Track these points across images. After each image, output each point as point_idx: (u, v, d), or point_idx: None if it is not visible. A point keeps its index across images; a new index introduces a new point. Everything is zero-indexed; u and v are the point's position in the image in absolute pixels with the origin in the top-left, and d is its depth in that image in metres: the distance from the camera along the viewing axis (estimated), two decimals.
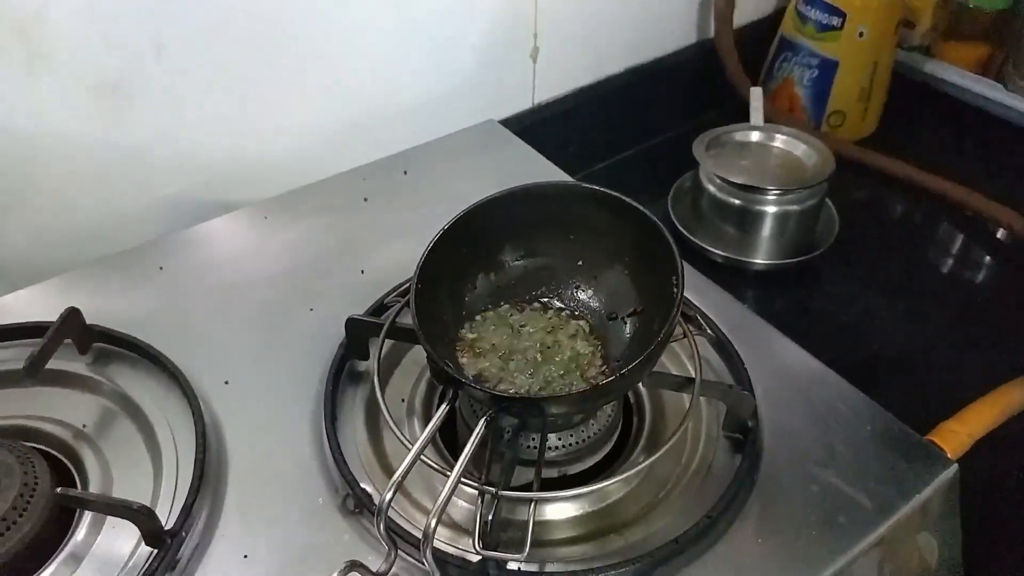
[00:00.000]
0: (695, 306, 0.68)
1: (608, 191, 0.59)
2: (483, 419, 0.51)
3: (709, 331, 0.65)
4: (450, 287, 0.60)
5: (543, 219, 0.62)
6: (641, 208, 0.58)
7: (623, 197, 0.59)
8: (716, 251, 0.95)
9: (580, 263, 0.63)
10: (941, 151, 1.13)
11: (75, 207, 0.78)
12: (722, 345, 0.65)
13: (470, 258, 0.61)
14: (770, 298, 0.96)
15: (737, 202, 0.94)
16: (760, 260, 0.95)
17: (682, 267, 0.54)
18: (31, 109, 0.71)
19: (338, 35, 0.83)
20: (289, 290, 0.73)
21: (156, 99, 0.76)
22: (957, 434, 0.62)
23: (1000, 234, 1.03)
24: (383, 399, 0.57)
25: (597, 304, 0.63)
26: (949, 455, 0.60)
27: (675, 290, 0.54)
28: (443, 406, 0.52)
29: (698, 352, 0.60)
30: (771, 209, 0.93)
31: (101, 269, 0.74)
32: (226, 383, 0.65)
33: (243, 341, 0.68)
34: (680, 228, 0.98)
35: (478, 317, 0.62)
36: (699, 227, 0.98)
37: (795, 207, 0.92)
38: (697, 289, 0.72)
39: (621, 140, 1.14)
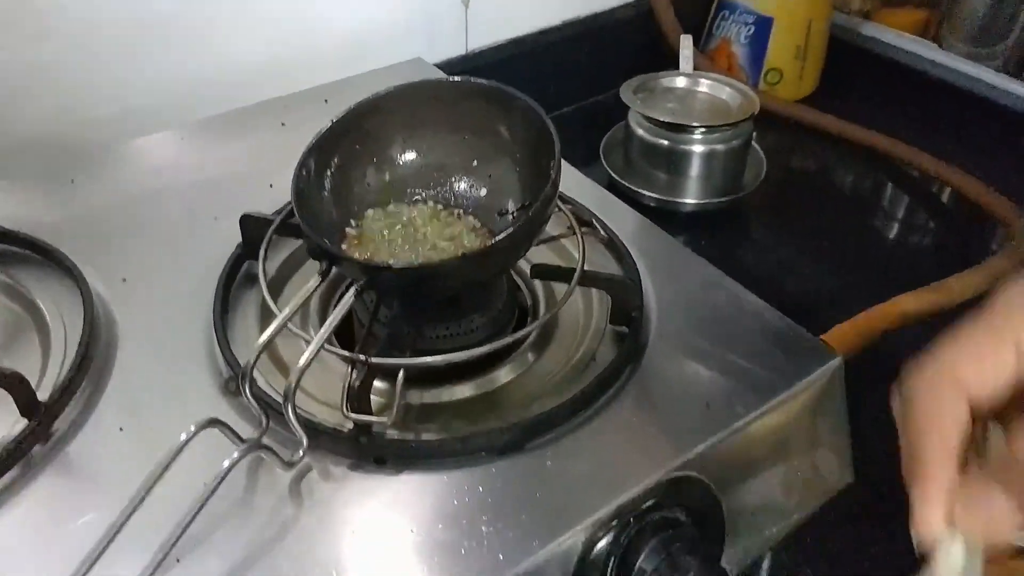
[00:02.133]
0: (593, 213, 0.68)
1: (495, 84, 0.60)
2: (352, 288, 0.51)
3: (601, 232, 0.65)
4: (337, 181, 0.61)
5: (435, 116, 0.63)
6: (525, 98, 0.59)
7: (507, 88, 0.59)
8: (647, 193, 0.96)
9: (475, 163, 0.64)
10: (879, 112, 1.15)
11: None
12: (613, 244, 0.66)
13: (359, 153, 0.62)
14: (696, 240, 0.97)
15: (664, 143, 0.95)
16: (689, 200, 0.96)
17: (559, 151, 0.55)
18: None
19: None
20: (197, 204, 0.73)
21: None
22: (845, 333, 0.63)
23: (943, 195, 1.04)
24: (265, 280, 0.58)
25: (488, 201, 0.63)
26: (836, 350, 0.61)
27: (551, 173, 0.54)
28: (315, 278, 0.53)
29: (583, 245, 0.60)
30: (698, 148, 0.94)
31: (8, 179, 0.75)
32: (124, 280, 0.65)
33: (144, 245, 0.69)
34: (613, 175, 0.98)
35: (368, 212, 0.62)
36: (631, 173, 0.99)
37: (721, 146, 0.93)
38: (606, 211, 0.73)
39: (557, 97, 1.14)
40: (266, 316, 0.63)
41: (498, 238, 0.51)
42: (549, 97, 1.18)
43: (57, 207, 0.72)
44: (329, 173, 0.60)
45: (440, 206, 0.63)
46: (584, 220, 0.66)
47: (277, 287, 0.66)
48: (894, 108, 1.16)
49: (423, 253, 0.58)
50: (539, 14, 1.08)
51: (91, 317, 0.60)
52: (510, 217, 0.62)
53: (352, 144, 0.61)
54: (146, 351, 0.60)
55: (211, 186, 0.75)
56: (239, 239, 0.66)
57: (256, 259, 0.66)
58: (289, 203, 0.67)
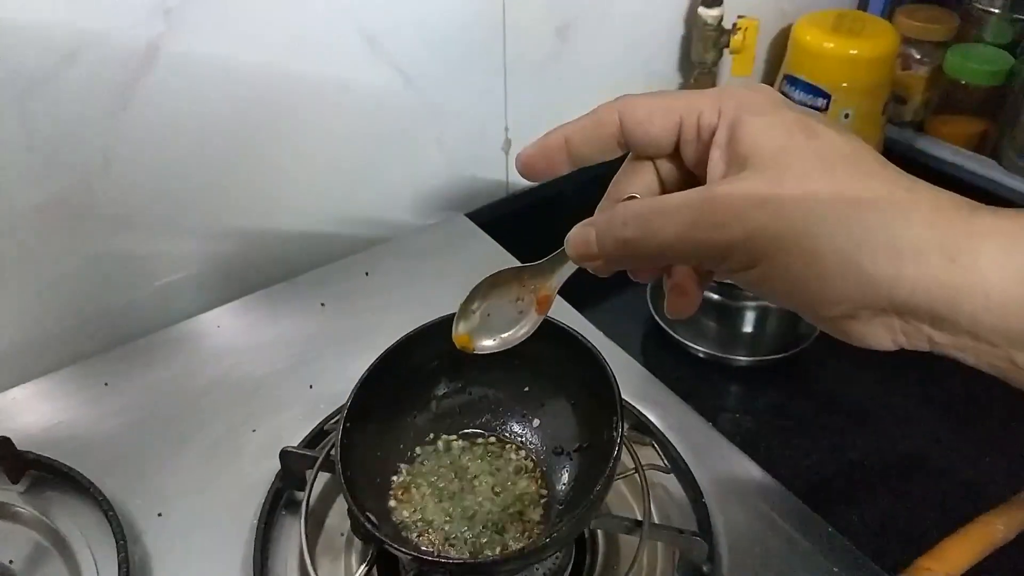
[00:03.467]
0: (653, 427, 0.64)
1: (553, 320, 0.56)
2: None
3: (664, 461, 0.61)
4: (382, 424, 0.57)
5: None
6: (586, 342, 0.55)
7: (568, 328, 0.56)
8: (698, 347, 0.92)
9: (526, 389, 0.60)
10: None
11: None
12: (682, 473, 0.62)
13: (403, 393, 0.58)
14: (752, 396, 0.92)
15: (716, 297, 0.90)
16: (742, 357, 0.91)
17: (622, 413, 0.51)
18: None
19: (307, 139, 0.81)
20: (233, 409, 0.70)
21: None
22: (933, 574, 0.58)
23: None
24: (310, 557, 0.54)
25: (542, 436, 0.59)
26: None
27: (614, 439, 0.50)
28: (362, 567, 0.49)
29: (648, 491, 0.56)
30: (751, 303, 0.89)
31: (42, 379, 0.73)
32: (159, 515, 0.62)
33: (181, 469, 0.65)
34: (661, 324, 0.94)
35: (418, 451, 0.59)
36: (681, 321, 0.94)
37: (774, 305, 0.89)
38: (660, 404, 0.69)
39: None
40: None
41: (555, 535, 0.47)
42: None
43: (90, 418, 0.69)
44: (373, 418, 0.56)
45: (492, 444, 0.59)
46: (641, 440, 0.62)
47: (320, 515, 0.62)
48: None
49: (475, 508, 0.55)
50: None
51: (127, 564, 0.57)
52: (566, 456, 0.58)
53: (396, 381, 0.58)
54: None
55: (249, 388, 0.72)
56: (277, 457, 0.63)
57: (296, 488, 0.63)
58: (330, 420, 0.65)
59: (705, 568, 0.56)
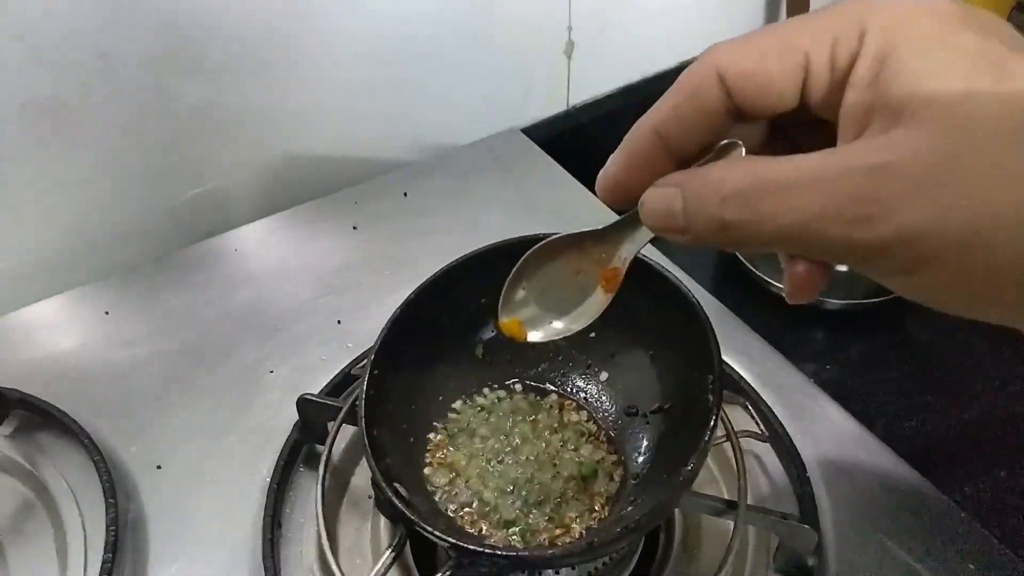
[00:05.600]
0: (745, 384, 0.53)
1: (643, 257, 0.44)
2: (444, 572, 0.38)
3: (760, 427, 0.50)
4: (418, 372, 0.47)
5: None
6: (674, 280, 0.43)
7: (650, 261, 0.44)
8: (781, 285, 0.79)
9: (592, 335, 0.49)
10: None
11: None
12: (780, 442, 0.50)
13: (443, 335, 0.48)
14: (844, 345, 0.80)
15: None
16: (834, 300, 0.79)
17: (721, 370, 0.40)
18: None
19: (340, 43, 0.69)
20: (249, 346, 0.61)
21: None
22: None
23: None
24: (324, 525, 0.44)
25: (611, 393, 0.49)
26: None
27: (709, 403, 0.39)
28: (388, 552, 0.39)
29: (742, 465, 0.45)
30: None
31: (38, 313, 0.64)
32: (159, 468, 0.54)
33: (186, 415, 0.57)
34: (741, 259, 0.82)
35: (456, 406, 0.48)
36: (762, 256, 0.82)
37: None
38: (750, 356, 0.58)
39: None
40: (331, 511, 0.50)
41: (631, 525, 0.36)
42: None
43: (87, 352, 0.61)
44: (408, 364, 0.46)
45: (550, 400, 0.49)
46: (733, 399, 0.51)
47: (345, 474, 0.53)
48: None
49: (527, 479, 0.44)
50: (652, 57, 0.90)
51: (113, 540, 0.48)
52: (641, 418, 0.47)
53: (435, 321, 0.47)
54: (180, 564, 0.48)
55: (268, 322, 0.62)
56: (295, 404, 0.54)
57: (317, 442, 0.54)
58: (357, 363, 0.55)
59: (811, 562, 0.45)
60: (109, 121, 0.62)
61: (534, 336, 0.37)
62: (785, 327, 0.81)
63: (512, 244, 0.46)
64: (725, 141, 0.28)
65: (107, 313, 0.63)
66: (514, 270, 0.35)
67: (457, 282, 0.47)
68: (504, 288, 0.36)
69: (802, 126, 0.28)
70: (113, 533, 0.49)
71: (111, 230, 0.68)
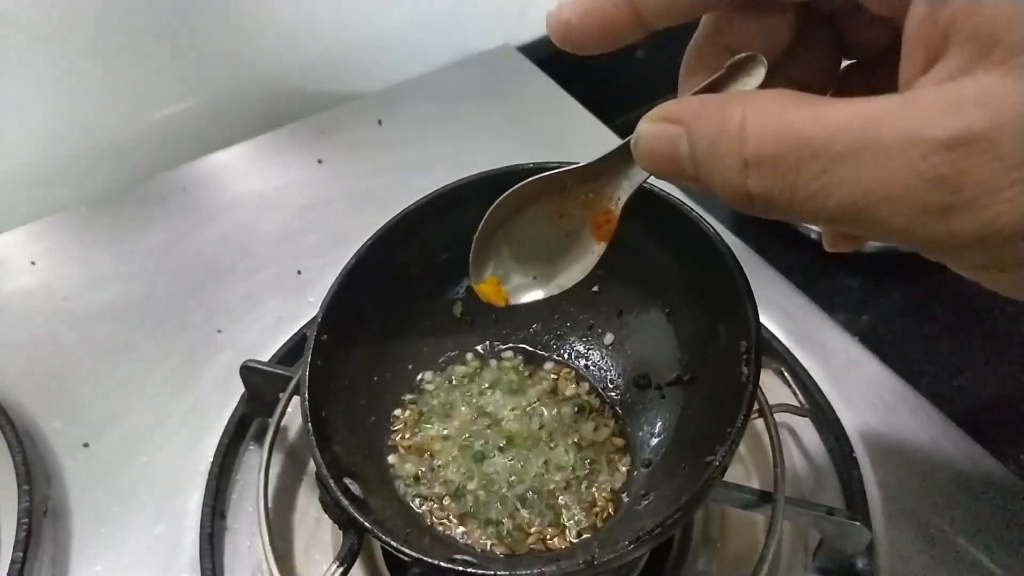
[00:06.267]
0: (778, 345, 0.44)
1: (650, 186, 0.35)
2: None
3: (799, 399, 0.42)
4: (380, 337, 0.38)
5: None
6: (695, 216, 0.34)
7: (666, 195, 0.35)
8: (810, 226, 0.70)
9: (595, 290, 0.40)
10: None
11: None
12: (823, 416, 0.42)
13: (416, 287, 0.39)
14: (881, 292, 0.71)
15: None
16: (870, 242, 0.70)
17: (758, 334, 0.31)
18: None
19: None
20: (193, 302, 0.52)
21: None
22: None
23: None
24: (265, 510, 0.36)
25: (617, 360, 0.40)
26: None
27: (743, 375, 0.30)
28: (335, 566, 0.31)
29: (779, 448, 0.37)
30: None
31: None
32: (85, 446, 0.46)
33: (118, 384, 0.48)
34: None
35: (428, 376, 0.40)
36: None
37: None
38: (784, 309, 0.49)
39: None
40: (285, 488, 0.42)
41: (645, 536, 0.28)
42: (672, 78, 0.90)
43: (7, 310, 0.52)
44: (368, 324, 0.38)
45: (543, 369, 0.40)
46: (769, 351, 0.43)
47: (302, 451, 0.45)
48: None
49: (515, 467, 0.36)
50: None
51: (29, 518, 0.40)
52: (655, 391, 0.38)
53: (400, 274, 0.38)
54: (107, 562, 0.41)
55: (216, 273, 0.54)
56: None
57: (266, 415, 0.45)
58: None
59: (860, 563, 0.37)
60: (38, 34, 0.53)
61: (517, 297, 0.30)
62: (815, 274, 0.72)
63: (493, 176, 0.37)
64: (741, 56, 0.22)
65: (33, 263, 0.55)
66: (484, 220, 0.29)
67: (427, 224, 0.38)
68: (474, 242, 0.29)
69: (846, 14, 0.22)
70: (26, 526, 0.41)
71: (37, 165, 0.58)
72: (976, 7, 0.16)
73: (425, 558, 0.29)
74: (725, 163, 0.20)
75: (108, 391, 0.48)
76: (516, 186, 0.28)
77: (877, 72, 0.24)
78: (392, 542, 0.29)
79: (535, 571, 0.29)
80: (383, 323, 0.39)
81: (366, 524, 0.30)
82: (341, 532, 0.40)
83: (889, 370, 0.47)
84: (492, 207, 0.29)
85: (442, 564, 0.29)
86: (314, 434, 0.32)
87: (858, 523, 0.35)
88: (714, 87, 0.23)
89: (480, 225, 0.29)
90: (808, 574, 0.38)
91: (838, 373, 0.45)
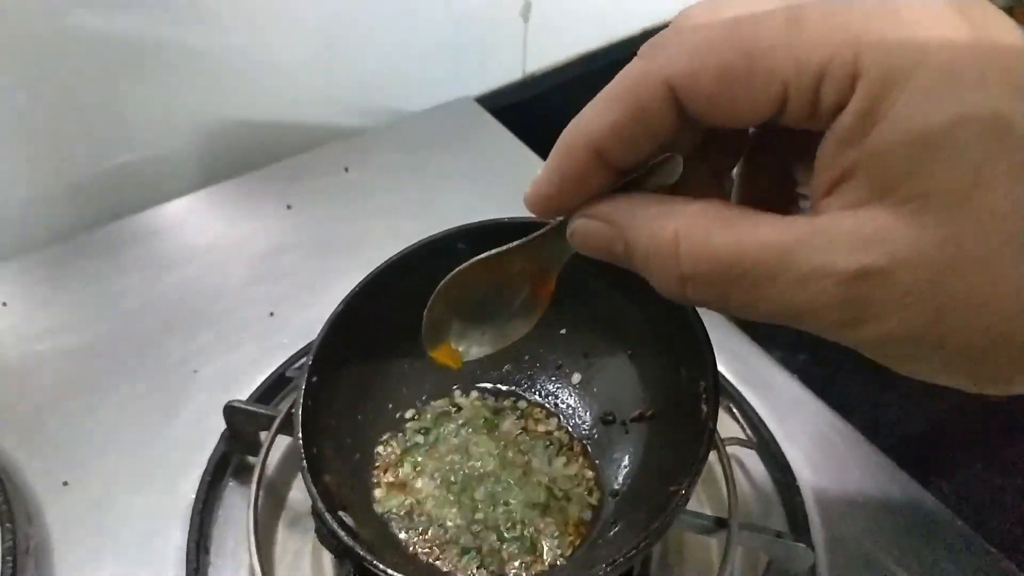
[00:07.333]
0: (728, 385, 0.48)
1: None
2: None
3: (747, 433, 0.45)
4: (363, 378, 0.41)
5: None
6: None
7: None
8: None
9: (563, 332, 0.44)
10: None
11: None
12: (767, 449, 0.46)
13: (395, 332, 0.42)
14: None
15: None
16: None
17: (715, 373, 0.35)
18: None
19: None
20: (170, 343, 0.54)
21: None
22: None
23: None
24: (256, 547, 0.38)
25: (584, 398, 0.43)
26: None
27: (702, 411, 0.34)
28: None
29: (732, 478, 0.40)
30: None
31: None
32: (65, 484, 0.47)
33: (97, 423, 0.49)
34: None
35: (409, 415, 0.43)
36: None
37: None
38: (732, 351, 0.53)
39: None
40: (267, 530, 0.44)
41: (618, 559, 0.31)
42: None
43: None
44: (352, 366, 0.40)
45: (517, 408, 0.43)
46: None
47: (282, 488, 0.46)
48: None
49: (492, 500, 0.39)
50: (614, 24, 0.85)
51: (13, 556, 0.41)
52: (620, 427, 0.42)
53: (382, 319, 0.41)
54: None
55: (192, 315, 0.55)
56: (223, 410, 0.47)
57: (249, 453, 0.47)
58: (294, 363, 0.49)
59: None
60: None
61: (468, 355, 0.32)
62: None
63: (471, 229, 0.40)
64: (661, 157, 0.24)
65: (4, 304, 0.55)
66: (431, 299, 0.31)
67: (408, 274, 0.41)
68: (424, 316, 0.31)
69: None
70: (11, 564, 0.42)
71: (9, 205, 0.59)
72: (881, 164, 0.19)
73: None
74: (664, 274, 0.22)
75: (87, 430, 0.49)
76: (459, 268, 0.30)
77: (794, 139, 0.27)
78: (388, 570, 0.32)
79: None
80: (365, 366, 0.41)
81: (363, 554, 0.32)
82: (321, 565, 0.42)
83: (826, 406, 0.51)
84: (438, 288, 0.31)
85: None
86: (309, 471, 0.35)
87: (803, 545, 0.39)
88: (636, 183, 0.24)
89: (428, 303, 0.31)
90: None
91: (781, 409, 0.49)
